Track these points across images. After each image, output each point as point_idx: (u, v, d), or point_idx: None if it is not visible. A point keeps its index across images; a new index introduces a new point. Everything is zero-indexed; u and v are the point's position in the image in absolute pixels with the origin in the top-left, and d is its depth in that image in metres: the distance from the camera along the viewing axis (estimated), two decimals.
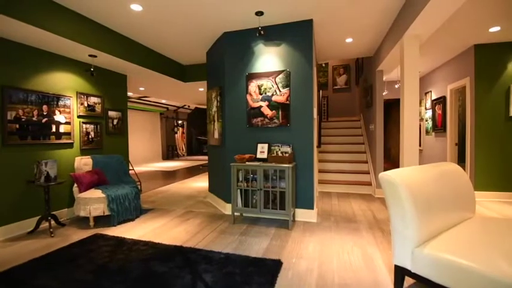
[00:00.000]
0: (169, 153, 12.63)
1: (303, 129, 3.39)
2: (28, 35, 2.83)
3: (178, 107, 12.05)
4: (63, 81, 3.55)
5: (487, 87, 4.20)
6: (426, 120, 6.07)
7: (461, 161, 4.94)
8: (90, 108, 3.95)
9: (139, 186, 4.27)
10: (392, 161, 9.08)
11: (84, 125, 3.84)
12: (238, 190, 3.30)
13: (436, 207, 1.81)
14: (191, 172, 8.15)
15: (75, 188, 3.34)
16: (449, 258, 1.49)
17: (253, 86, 3.55)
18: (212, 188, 4.45)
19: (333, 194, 4.80)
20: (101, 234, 2.93)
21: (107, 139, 4.27)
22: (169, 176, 7.47)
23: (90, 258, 2.37)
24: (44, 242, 2.76)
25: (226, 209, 3.73)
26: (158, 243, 2.67)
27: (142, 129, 11.04)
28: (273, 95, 3.47)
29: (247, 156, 3.32)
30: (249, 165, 3.18)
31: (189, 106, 11.97)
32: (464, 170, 3.09)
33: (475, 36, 3.88)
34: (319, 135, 5.44)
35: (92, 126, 3.98)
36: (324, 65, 8.59)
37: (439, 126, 5.41)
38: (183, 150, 13.80)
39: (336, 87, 8.47)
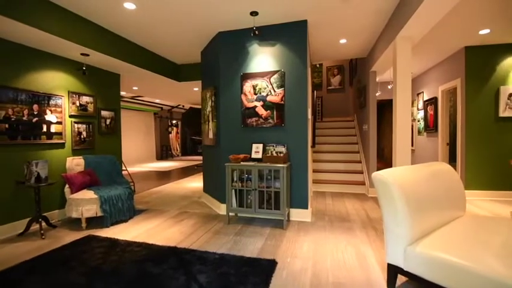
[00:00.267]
0: (164, 153, 12.52)
1: (298, 129, 3.40)
2: (18, 33, 2.77)
3: (173, 107, 11.97)
4: (54, 80, 3.49)
5: (477, 88, 4.28)
6: (418, 121, 6.16)
7: (452, 160, 5.03)
8: (82, 107, 3.89)
9: (132, 187, 4.22)
10: (385, 160, 9.19)
11: (76, 125, 3.78)
12: (233, 190, 3.30)
13: (428, 206, 1.84)
14: (185, 172, 8.10)
15: (66, 188, 3.29)
16: (441, 256, 1.52)
17: (248, 86, 3.55)
18: (207, 188, 4.43)
19: (327, 194, 4.83)
20: (93, 236, 2.89)
21: (100, 139, 4.21)
22: (164, 176, 7.41)
23: (83, 260, 2.33)
24: (34, 244, 2.70)
25: (221, 209, 3.72)
26: (152, 244, 2.65)
27: (136, 129, 10.93)
28: (267, 95, 3.48)
29: (242, 156, 3.32)
30: (244, 165, 3.18)
31: (183, 106, 11.90)
32: (455, 169, 3.14)
33: (466, 39, 3.95)
34: (314, 135, 5.47)
35: (84, 126, 3.92)
36: (318, 65, 8.64)
37: (430, 127, 5.50)
38: (177, 150, 13.70)
39: (330, 87, 8.53)
